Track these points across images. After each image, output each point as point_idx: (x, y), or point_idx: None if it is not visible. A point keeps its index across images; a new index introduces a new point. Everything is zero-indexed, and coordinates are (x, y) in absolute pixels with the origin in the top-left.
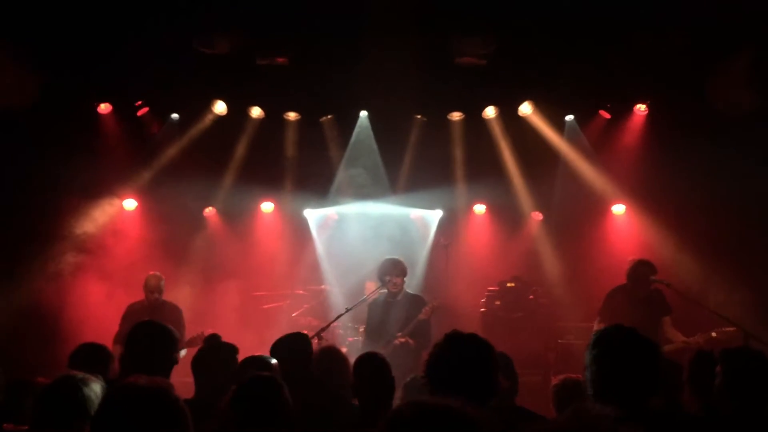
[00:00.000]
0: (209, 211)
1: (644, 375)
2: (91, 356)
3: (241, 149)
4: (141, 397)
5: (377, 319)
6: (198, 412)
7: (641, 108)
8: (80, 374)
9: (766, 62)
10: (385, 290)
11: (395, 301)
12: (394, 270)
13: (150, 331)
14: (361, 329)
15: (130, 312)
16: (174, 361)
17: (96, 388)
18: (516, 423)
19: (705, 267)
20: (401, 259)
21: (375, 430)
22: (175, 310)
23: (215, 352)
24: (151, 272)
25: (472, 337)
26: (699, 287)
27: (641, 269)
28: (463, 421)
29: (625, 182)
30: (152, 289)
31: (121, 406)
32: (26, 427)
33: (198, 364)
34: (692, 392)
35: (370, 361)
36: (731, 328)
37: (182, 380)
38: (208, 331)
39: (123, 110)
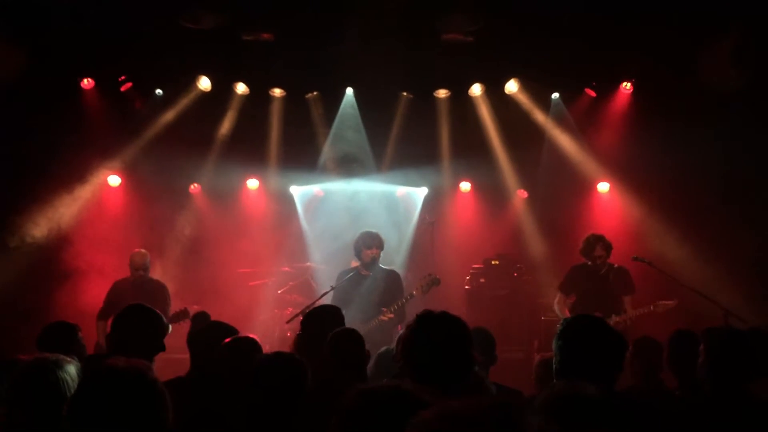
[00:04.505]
0: (194, 187)
1: (607, 364)
2: (60, 337)
3: (226, 125)
4: (118, 380)
5: (348, 288)
6: (192, 388)
7: (627, 86)
8: (54, 356)
9: (751, 41)
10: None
11: (369, 274)
12: (372, 242)
13: (139, 316)
14: None
15: (116, 289)
16: (161, 347)
17: (71, 370)
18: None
19: (688, 245)
20: (378, 232)
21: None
22: (161, 288)
23: (214, 332)
24: (137, 249)
25: (444, 316)
26: (682, 265)
27: (586, 243)
28: (413, 406)
29: (610, 160)
30: (137, 267)
31: (98, 389)
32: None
33: (195, 342)
34: (672, 371)
35: (344, 336)
36: (669, 302)
37: (171, 357)
38: (194, 308)
39: (106, 85)
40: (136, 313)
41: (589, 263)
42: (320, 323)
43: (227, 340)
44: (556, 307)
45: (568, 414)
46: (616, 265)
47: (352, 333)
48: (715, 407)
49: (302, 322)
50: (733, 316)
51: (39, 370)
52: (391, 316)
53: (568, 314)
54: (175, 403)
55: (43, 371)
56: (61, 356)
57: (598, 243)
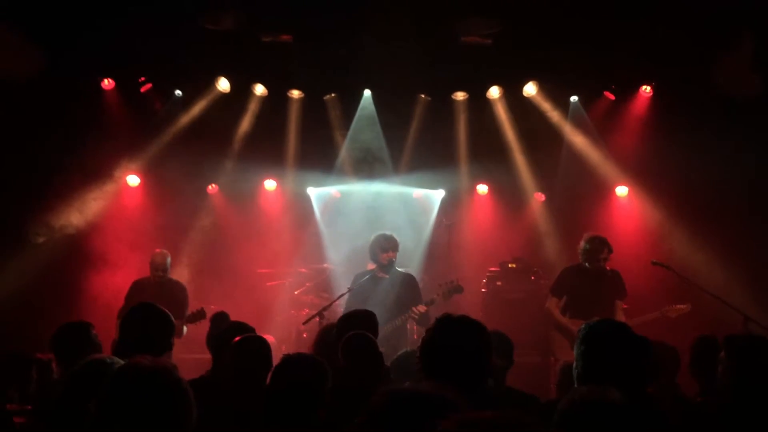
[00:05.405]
0: (212, 188)
1: (631, 370)
2: (73, 336)
3: (244, 127)
4: (144, 378)
5: (364, 291)
6: (212, 388)
7: (646, 90)
8: (108, 357)
9: None
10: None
11: (385, 276)
12: (388, 245)
13: (147, 314)
14: None
15: (136, 288)
16: (169, 345)
17: None
18: (505, 404)
19: (707, 250)
20: (393, 234)
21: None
22: (180, 289)
23: (234, 333)
24: (158, 249)
25: (463, 320)
26: (701, 270)
27: (593, 245)
28: (442, 408)
29: (628, 164)
30: (158, 267)
31: (124, 387)
32: (29, 407)
33: (216, 343)
34: (694, 377)
35: (357, 340)
36: (683, 306)
37: (189, 357)
38: (212, 308)
39: (126, 86)
40: (143, 312)
41: (586, 265)
42: (350, 329)
43: (236, 339)
44: (548, 311)
45: (590, 420)
46: (608, 268)
47: (363, 338)
48: (735, 413)
49: (337, 326)
50: (752, 322)
51: (95, 374)
52: (420, 313)
53: (560, 317)
54: (197, 403)
55: (100, 375)
56: (116, 358)
57: (605, 246)
